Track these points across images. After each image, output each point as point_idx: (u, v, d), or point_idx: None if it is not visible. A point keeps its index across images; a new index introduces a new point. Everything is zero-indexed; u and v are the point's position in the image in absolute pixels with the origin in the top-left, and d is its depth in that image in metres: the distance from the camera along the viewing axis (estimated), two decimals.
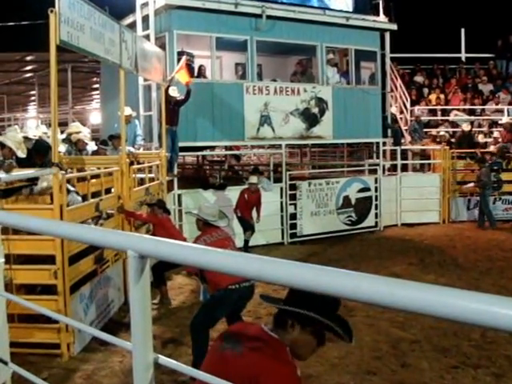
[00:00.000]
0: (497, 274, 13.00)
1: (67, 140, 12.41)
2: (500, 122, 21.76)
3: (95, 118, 22.61)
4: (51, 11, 7.38)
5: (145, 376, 2.37)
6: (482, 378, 7.63)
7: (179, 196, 15.27)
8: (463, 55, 26.32)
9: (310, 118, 17.35)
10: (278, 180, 16.85)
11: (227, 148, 18.25)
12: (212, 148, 17.98)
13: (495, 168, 18.83)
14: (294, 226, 16.92)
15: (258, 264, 1.90)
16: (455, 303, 1.48)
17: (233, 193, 15.51)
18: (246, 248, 14.52)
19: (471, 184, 18.83)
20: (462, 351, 8.46)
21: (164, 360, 2.45)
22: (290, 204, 16.82)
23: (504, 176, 19.04)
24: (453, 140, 20.85)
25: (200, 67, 16.40)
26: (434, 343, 8.76)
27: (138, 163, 12.76)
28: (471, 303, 1.46)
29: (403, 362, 8.10)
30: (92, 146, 13.15)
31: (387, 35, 19.76)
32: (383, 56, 19.67)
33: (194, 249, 2.16)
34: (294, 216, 16.93)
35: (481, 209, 18.70)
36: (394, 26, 19.48)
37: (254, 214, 15.01)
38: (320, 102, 17.55)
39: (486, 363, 8.09)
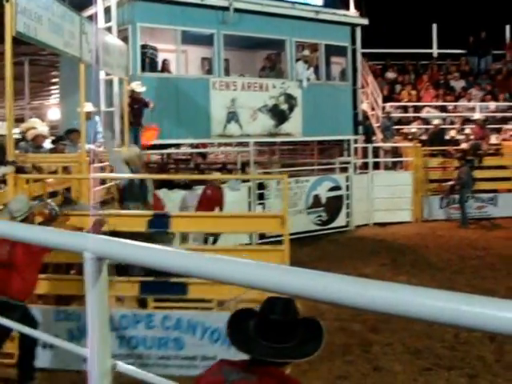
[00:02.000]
0: (470, 273, 13.08)
1: (22, 136, 12.18)
2: (472, 118, 21.90)
3: (54, 113, 22.25)
4: (7, 1, 7.21)
5: (101, 383, 2.32)
6: (455, 380, 7.67)
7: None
8: (435, 51, 26.50)
9: (279, 115, 17.31)
10: (245, 180, 16.77)
11: (193, 146, 18.12)
12: (177, 146, 17.81)
13: (470, 166, 18.93)
14: None
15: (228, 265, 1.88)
16: (421, 302, 1.49)
17: (200, 192, 15.32)
18: None
19: (451, 182, 18.93)
20: (435, 353, 8.47)
21: (122, 366, 2.42)
22: (258, 204, 16.71)
23: (476, 174, 19.12)
24: (425, 137, 20.95)
25: (164, 62, 16.28)
26: (407, 345, 8.76)
27: (99, 162, 12.57)
28: (437, 302, 1.47)
29: (375, 365, 8.09)
30: (48, 144, 12.93)
31: (358, 30, 19.72)
32: (354, 51, 19.58)
33: (153, 250, 2.10)
34: None
35: (462, 207, 18.83)
36: (365, 21, 19.45)
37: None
38: (289, 98, 17.50)
39: (460, 364, 8.13)
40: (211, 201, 14.60)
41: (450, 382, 7.65)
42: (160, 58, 16.35)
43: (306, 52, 18.14)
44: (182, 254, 2.05)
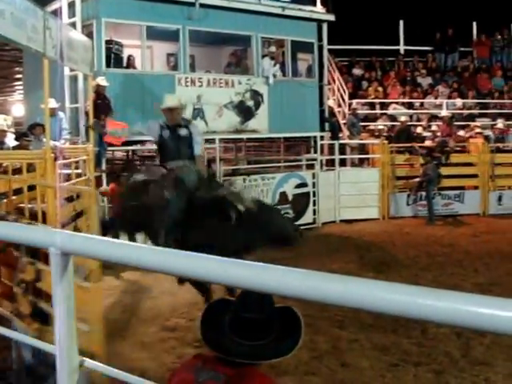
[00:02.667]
0: (436, 269, 13.21)
1: None
2: (440, 115, 22.10)
3: (18, 110, 22.08)
4: None
5: (70, 380, 2.30)
6: (422, 376, 7.76)
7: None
8: (402, 48, 26.75)
9: (245, 112, 17.34)
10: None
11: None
12: (142, 143, 17.76)
13: (436, 163, 19.10)
14: None
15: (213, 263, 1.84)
16: (377, 295, 1.49)
17: None
18: None
19: (417, 179, 19.11)
20: (402, 349, 8.57)
21: (90, 363, 2.41)
22: None
23: (443, 171, 19.29)
24: (391, 134, 21.09)
25: (129, 57, 16.22)
26: (374, 341, 8.84)
27: (64, 158, 12.52)
28: (395, 295, 1.47)
29: (343, 361, 8.16)
30: (12, 141, 12.86)
31: (324, 26, 19.73)
32: (320, 47, 19.61)
33: (122, 246, 2.09)
34: None
35: (429, 204, 19.02)
36: (332, 17, 19.46)
37: None
38: (255, 94, 17.55)
39: (427, 360, 8.23)
40: None
41: (417, 377, 7.73)
42: (125, 53, 16.29)
43: (273, 48, 18.18)
44: (152, 250, 2.05)
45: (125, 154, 18.20)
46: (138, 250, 2.02)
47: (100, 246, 2.12)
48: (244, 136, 18.40)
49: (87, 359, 2.39)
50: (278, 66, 18.24)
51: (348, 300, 1.52)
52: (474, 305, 1.37)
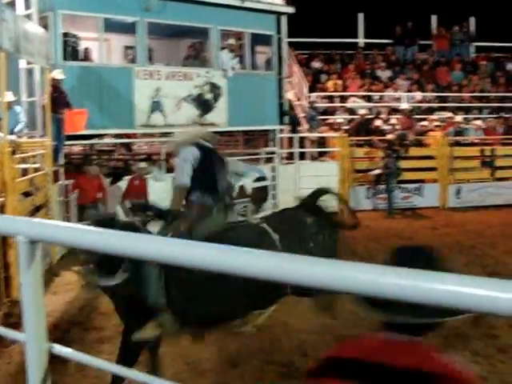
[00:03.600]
0: None
1: None
2: (400, 107, 22.39)
3: None
4: None
5: (39, 366, 2.38)
6: None
7: (66, 187, 15.02)
8: (361, 41, 26.95)
9: (204, 105, 17.42)
10: (169, 170, 16.79)
11: (118, 137, 18.01)
12: (100, 137, 17.74)
13: (395, 156, 19.33)
14: None
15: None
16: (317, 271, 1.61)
17: (125, 183, 15.33)
18: None
19: (377, 171, 19.32)
20: None
21: (58, 349, 2.47)
22: None
23: (402, 164, 19.54)
24: (351, 127, 21.28)
25: (86, 50, 16.21)
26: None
27: (21, 152, 12.54)
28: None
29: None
30: None
31: (284, 19, 19.80)
32: (279, 40, 19.73)
33: (90, 232, 2.15)
34: None
35: (389, 197, 19.26)
36: (291, 10, 19.54)
37: None
38: (214, 87, 17.62)
39: None
40: (139, 192, 14.71)
41: None
42: (82, 46, 16.25)
43: (231, 41, 18.26)
44: (119, 235, 2.08)
45: (82, 148, 18.16)
46: (105, 236, 2.09)
47: (67, 234, 2.19)
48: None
49: (56, 345, 2.46)
50: (236, 58, 18.32)
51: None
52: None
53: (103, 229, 2.24)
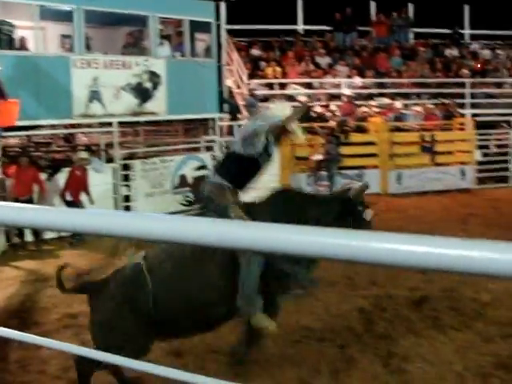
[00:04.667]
0: None
1: None
2: (342, 93, 22.71)
3: None
4: None
5: None
6: (326, 351, 8.11)
7: (2, 181, 14.90)
8: (300, 27, 27.20)
9: (143, 93, 17.43)
10: (109, 160, 16.82)
11: (56, 127, 17.88)
12: (37, 128, 17.62)
13: (336, 142, 19.59)
14: (128, 209, 16.87)
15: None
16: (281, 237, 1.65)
17: (64, 176, 15.20)
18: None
19: (320, 156, 19.55)
20: (305, 326, 8.91)
21: (4, 331, 2.60)
22: (124, 185, 16.91)
23: (343, 150, 19.82)
24: None
25: (22, 39, 16.10)
26: (277, 321, 9.13)
27: None
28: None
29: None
30: None
31: (223, 5, 19.94)
32: (218, 27, 19.85)
33: (42, 211, 2.12)
34: (128, 198, 17.00)
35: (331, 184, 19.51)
36: None
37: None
38: (153, 75, 17.65)
39: (330, 336, 8.61)
40: (81, 182, 14.73)
41: (320, 352, 8.10)
42: (17, 35, 16.12)
43: (170, 28, 18.31)
44: (74, 213, 2.15)
45: (19, 140, 18.04)
46: (60, 214, 2.08)
47: (25, 214, 2.13)
48: (142, 119, 18.44)
49: (2, 328, 2.57)
50: (175, 46, 18.40)
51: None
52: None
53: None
